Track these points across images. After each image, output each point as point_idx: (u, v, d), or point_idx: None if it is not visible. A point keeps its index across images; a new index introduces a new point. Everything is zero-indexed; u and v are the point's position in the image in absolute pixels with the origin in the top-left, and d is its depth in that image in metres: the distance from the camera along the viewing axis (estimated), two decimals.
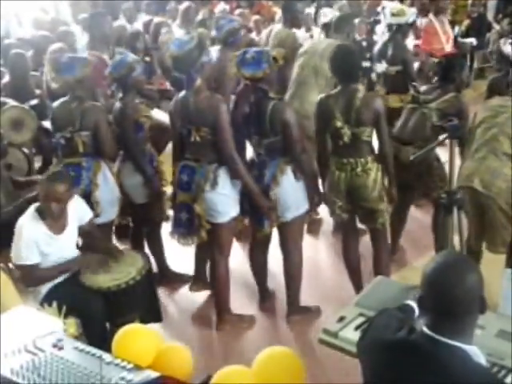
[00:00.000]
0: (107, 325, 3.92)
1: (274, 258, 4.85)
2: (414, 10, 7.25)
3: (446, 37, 8.54)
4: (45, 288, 3.88)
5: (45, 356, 2.78)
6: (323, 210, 5.00)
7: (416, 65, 8.40)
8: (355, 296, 3.44)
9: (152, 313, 4.15)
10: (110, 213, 4.77)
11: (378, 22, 8.95)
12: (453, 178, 4.07)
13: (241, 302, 4.89)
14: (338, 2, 11.35)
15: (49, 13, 11.58)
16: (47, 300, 3.65)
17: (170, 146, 5.29)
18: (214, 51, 5.75)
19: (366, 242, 5.70)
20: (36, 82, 7.17)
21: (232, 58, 4.40)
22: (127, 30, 8.01)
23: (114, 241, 5.10)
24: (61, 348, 2.83)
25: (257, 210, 4.44)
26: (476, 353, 2.08)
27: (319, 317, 4.65)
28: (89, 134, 4.61)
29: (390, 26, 6.29)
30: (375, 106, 4.29)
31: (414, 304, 2.51)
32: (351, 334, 2.88)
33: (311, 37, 9.66)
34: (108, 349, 2.86)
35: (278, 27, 6.95)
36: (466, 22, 10.26)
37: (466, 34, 9.94)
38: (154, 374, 2.67)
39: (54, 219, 3.87)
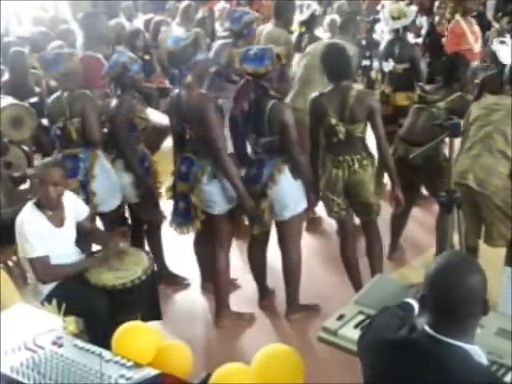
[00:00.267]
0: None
1: (273, 257, 4.86)
2: (414, 8, 7.24)
3: (474, 37, 8.32)
4: (48, 287, 3.86)
5: (44, 353, 2.78)
6: (322, 209, 5.00)
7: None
8: (355, 294, 3.44)
9: (153, 311, 4.15)
10: (110, 202, 4.84)
11: (377, 20, 8.96)
12: (453, 176, 4.08)
13: (240, 300, 4.90)
14: (337, 1, 11.35)
15: (48, 11, 11.57)
16: (50, 298, 3.66)
17: (165, 144, 5.32)
18: (220, 44, 5.86)
19: (363, 241, 5.73)
20: (35, 79, 7.17)
21: (235, 54, 4.41)
22: (126, 28, 8.02)
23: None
24: (60, 345, 2.84)
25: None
26: (477, 352, 2.09)
27: (319, 315, 4.65)
28: (79, 121, 4.69)
29: (395, 30, 6.26)
30: (369, 103, 4.33)
31: (413, 302, 2.51)
32: (350, 332, 2.89)
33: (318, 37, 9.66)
34: (110, 346, 2.87)
35: (269, 27, 6.94)
36: None
37: None
38: (153, 372, 2.68)
39: (52, 209, 3.88)
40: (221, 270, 4.61)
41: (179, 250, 5.40)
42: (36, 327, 2.97)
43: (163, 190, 4.93)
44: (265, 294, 4.94)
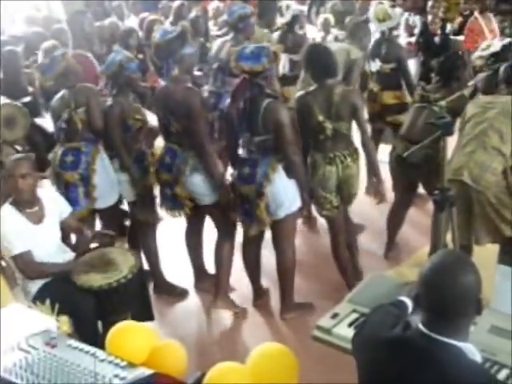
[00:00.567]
0: (99, 324, 3.92)
1: (268, 256, 4.86)
2: (398, 9, 7.29)
3: (492, 35, 8.19)
4: (35, 287, 3.89)
5: (38, 354, 2.77)
6: None
7: (411, 62, 8.42)
8: (349, 293, 3.44)
9: (144, 311, 4.14)
10: (108, 198, 4.89)
11: (370, 20, 8.95)
12: (446, 175, 4.09)
13: (235, 299, 4.90)
14: (330, 1, 11.35)
15: (41, 11, 11.55)
16: (38, 298, 3.65)
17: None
18: (221, 41, 5.97)
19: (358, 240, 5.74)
20: (28, 79, 7.14)
21: (232, 52, 4.42)
22: (120, 27, 8.01)
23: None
24: (54, 346, 2.82)
25: (246, 210, 4.46)
26: (471, 350, 2.09)
27: (313, 314, 4.64)
28: (84, 110, 4.79)
29: (382, 32, 6.30)
30: (353, 101, 4.46)
31: (407, 300, 2.51)
32: (345, 331, 2.89)
33: (304, 35, 9.65)
34: (100, 347, 2.86)
35: None
36: (459, 20, 10.25)
37: (459, 32, 9.94)
38: (148, 372, 2.67)
39: (29, 206, 3.90)
40: (223, 258, 4.72)
41: (172, 249, 5.39)
42: (29, 328, 2.96)
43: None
44: (259, 293, 4.94)
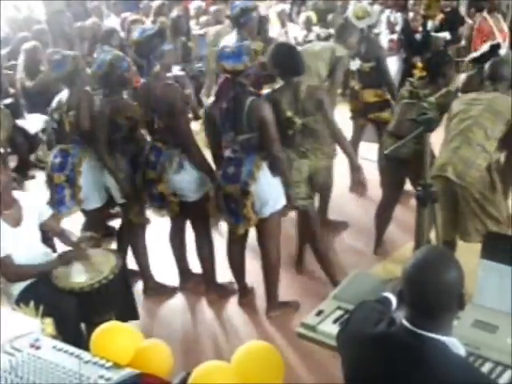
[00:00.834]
0: (83, 325, 3.91)
1: (252, 254, 4.86)
2: (377, 7, 7.32)
3: (502, 35, 8.14)
4: (17, 290, 3.86)
5: (22, 356, 2.75)
6: None
7: (393, 59, 8.45)
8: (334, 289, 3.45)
9: (128, 311, 4.14)
10: (94, 200, 4.94)
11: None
12: (428, 171, 4.11)
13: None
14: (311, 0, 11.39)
15: (21, 11, 11.48)
16: (21, 301, 3.64)
17: None
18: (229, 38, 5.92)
19: (342, 237, 5.77)
20: (9, 80, 7.11)
21: (211, 52, 4.41)
22: (102, 27, 7.99)
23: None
24: (38, 348, 2.80)
25: (232, 210, 4.47)
26: (455, 344, 2.10)
27: (298, 311, 4.66)
28: (74, 114, 4.84)
29: (360, 30, 6.32)
30: (318, 96, 4.54)
31: (391, 296, 2.52)
32: (329, 328, 2.90)
33: (286, 33, 9.70)
34: (85, 349, 2.85)
35: (225, 28, 6.95)
36: (440, 17, 10.30)
37: (440, 29, 10.00)
38: (133, 372, 2.65)
39: (4, 208, 3.85)
40: (205, 259, 4.88)
41: (158, 249, 5.38)
42: (13, 330, 2.94)
43: None
44: (244, 292, 4.94)
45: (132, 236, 5.07)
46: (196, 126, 6.13)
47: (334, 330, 2.66)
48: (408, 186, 5.34)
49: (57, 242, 4.71)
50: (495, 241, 3.05)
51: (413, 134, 3.89)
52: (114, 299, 3.94)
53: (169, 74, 5.00)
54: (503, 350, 2.64)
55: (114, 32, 7.24)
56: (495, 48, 5.97)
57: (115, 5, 10.70)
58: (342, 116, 6.64)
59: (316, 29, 9.97)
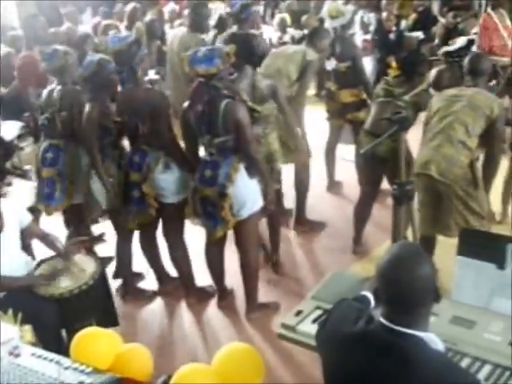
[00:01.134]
0: (63, 332, 3.88)
1: (231, 256, 4.86)
2: (350, 7, 7.36)
3: (507, 32, 7.82)
4: None
5: (1, 364, 2.74)
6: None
7: (368, 60, 8.48)
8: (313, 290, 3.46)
9: (108, 317, 4.11)
10: (81, 196, 5.04)
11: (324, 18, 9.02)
12: (403, 170, 4.15)
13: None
14: (285, 1, 11.40)
15: None
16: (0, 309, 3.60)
17: None
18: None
19: (320, 237, 5.79)
20: None
21: (183, 57, 4.39)
22: (76, 32, 7.96)
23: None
24: (17, 355, 2.79)
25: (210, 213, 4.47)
26: (433, 339, 2.12)
27: (279, 313, 4.67)
28: (67, 114, 4.88)
29: (334, 29, 6.36)
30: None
31: (369, 294, 2.54)
32: (309, 328, 2.91)
33: (260, 35, 9.67)
34: (65, 355, 2.84)
35: (182, 30, 6.93)
36: (413, 16, 10.37)
37: (413, 28, 10.06)
38: (113, 377, 2.65)
39: None
40: (180, 263, 4.92)
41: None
42: None
43: None
44: (224, 295, 4.94)
45: (120, 240, 5.07)
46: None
47: (314, 329, 2.67)
48: (385, 184, 5.37)
49: (36, 248, 4.71)
50: (471, 237, 3.07)
51: (388, 133, 3.92)
52: (94, 305, 3.91)
53: (145, 78, 5.01)
54: (481, 346, 2.68)
55: (88, 37, 7.21)
56: (471, 43, 6.01)
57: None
58: (319, 117, 6.68)
59: (290, 30, 9.99)
